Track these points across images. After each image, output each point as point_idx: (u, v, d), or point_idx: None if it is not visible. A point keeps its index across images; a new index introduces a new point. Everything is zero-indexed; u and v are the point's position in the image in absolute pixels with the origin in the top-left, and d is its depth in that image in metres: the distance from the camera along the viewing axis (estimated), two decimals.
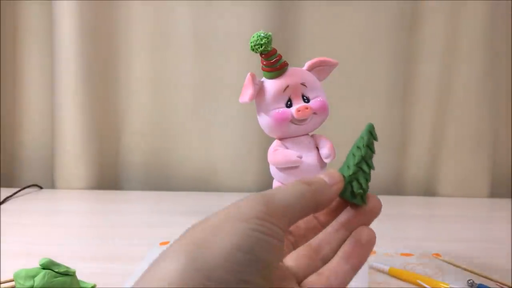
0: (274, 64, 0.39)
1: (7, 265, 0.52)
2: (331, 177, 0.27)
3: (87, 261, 0.55)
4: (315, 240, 0.28)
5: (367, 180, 0.26)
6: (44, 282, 0.43)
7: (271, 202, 0.25)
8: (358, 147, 0.27)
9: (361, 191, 0.26)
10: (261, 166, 0.91)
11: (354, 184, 0.26)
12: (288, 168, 0.41)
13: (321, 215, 0.29)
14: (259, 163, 0.91)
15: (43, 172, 0.99)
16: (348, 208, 0.28)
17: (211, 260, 0.22)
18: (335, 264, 0.27)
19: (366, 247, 0.27)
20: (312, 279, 0.27)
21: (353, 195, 0.26)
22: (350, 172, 0.26)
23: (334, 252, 0.27)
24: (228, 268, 0.23)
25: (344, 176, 0.26)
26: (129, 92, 0.95)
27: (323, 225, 0.29)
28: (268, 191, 0.25)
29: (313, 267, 0.27)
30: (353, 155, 0.27)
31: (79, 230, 0.70)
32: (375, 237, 0.27)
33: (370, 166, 0.27)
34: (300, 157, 0.40)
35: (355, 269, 0.27)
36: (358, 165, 0.26)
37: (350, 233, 0.27)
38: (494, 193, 0.92)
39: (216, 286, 0.22)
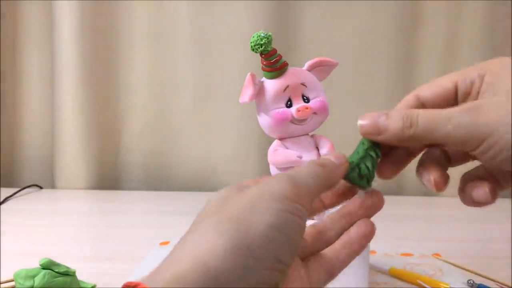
0: (274, 64, 0.39)
1: (7, 265, 0.52)
2: (337, 158, 0.28)
3: (87, 261, 0.55)
4: (320, 223, 0.30)
5: (374, 165, 0.28)
6: (44, 282, 0.43)
7: (297, 183, 0.26)
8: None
9: (367, 172, 0.28)
10: (261, 166, 0.91)
11: (362, 166, 0.28)
12: (288, 168, 0.41)
13: (326, 198, 0.30)
14: (259, 163, 0.91)
15: (43, 172, 0.99)
16: (354, 199, 0.29)
17: (251, 239, 0.23)
18: (338, 247, 0.29)
19: (367, 238, 0.29)
20: (315, 258, 0.29)
21: (360, 177, 0.28)
22: (359, 156, 0.28)
23: (337, 237, 0.29)
24: (266, 247, 0.24)
25: (353, 161, 0.28)
26: (129, 92, 0.96)
27: (326, 207, 0.31)
28: (291, 173, 0.27)
29: (317, 247, 0.29)
30: (363, 143, 0.28)
31: (79, 230, 0.70)
32: (375, 230, 0.29)
33: (377, 154, 0.28)
34: (300, 157, 0.40)
35: (355, 254, 0.29)
36: (367, 150, 0.28)
37: (353, 222, 0.29)
38: None
39: (255, 263, 0.23)
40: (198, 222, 0.26)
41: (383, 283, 0.49)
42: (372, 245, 0.42)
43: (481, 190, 0.28)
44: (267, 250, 0.24)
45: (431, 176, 0.28)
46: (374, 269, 0.52)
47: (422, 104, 0.30)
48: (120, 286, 0.23)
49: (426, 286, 0.48)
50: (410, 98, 0.31)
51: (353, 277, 0.38)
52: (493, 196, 0.28)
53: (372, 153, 0.28)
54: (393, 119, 0.27)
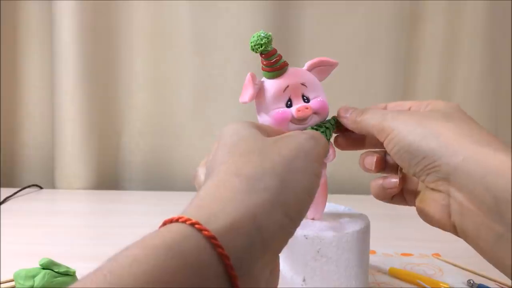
0: (274, 64, 0.39)
1: (7, 265, 0.52)
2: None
3: (87, 261, 0.54)
4: None
5: (330, 129, 0.39)
6: (44, 282, 0.43)
7: (318, 142, 0.30)
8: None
9: (324, 131, 0.39)
10: None
11: (322, 128, 0.39)
12: None
13: None
14: None
15: (43, 172, 0.99)
16: None
17: (291, 199, 0.26)
18: None
19: None
20: None
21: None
22: (324, 122, 0.40)
23: None
24: (298, 209, 0.26)
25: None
26: (129, 92, 0.96)
27: None
28: (310, 132, 0.31)
29: None
30: (332, 118, 0.40)
31: (79, 230, 0.70)
32: None
33: (333, 125, 0.40)
34: None
35: None
36: (329, 121, 0.40)
37: None
38: None
39: (288, 222, 0.25)
40: (241, 162, 0.27)
41: (383, 283, 0.50)
42: (372, 245, 0.42)
43: (369, 159, 0.38)
44: (297, 211, 0.26)
45: (374, 158, 0.38)
46: (374, 269, 0.52)
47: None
48: (167, 219, 0.24)
49: (426, 286, 0.48)
50: (380, 105, 0.40)
51: (353, 277, 0.38)
52: (376, 167, 0.38)
53: (332, 122, 0.39)
54: (354, 111, 0.38)
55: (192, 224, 0.22)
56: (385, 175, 0.38)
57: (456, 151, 0.30)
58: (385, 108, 0.39)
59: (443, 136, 0.31)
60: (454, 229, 0.32)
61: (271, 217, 0.24)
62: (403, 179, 0.38)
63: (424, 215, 0.35)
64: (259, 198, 0.24)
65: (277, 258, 0.27)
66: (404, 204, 0.39)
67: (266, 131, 0.32)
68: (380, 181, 0.38)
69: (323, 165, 0.41)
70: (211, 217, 0.23)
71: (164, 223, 0.24)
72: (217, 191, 0.25)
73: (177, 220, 0.23)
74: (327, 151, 0.33)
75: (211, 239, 0.22)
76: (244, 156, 0.27)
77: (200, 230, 0.22)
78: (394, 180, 0.37)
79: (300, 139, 0.29)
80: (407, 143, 0.32)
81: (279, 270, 0.28)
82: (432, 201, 0.33)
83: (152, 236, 0.22)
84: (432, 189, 0.32)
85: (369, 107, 0.38)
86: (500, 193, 0.27)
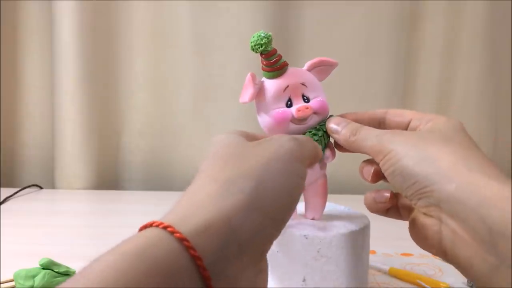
0: (274, 64, 0.39)
1: (7, 265, 0.52)
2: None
3: (87, 261, 0.55)
4: None
5: (322, 136, 0.38)
6: (44, 282, 0.43)
7: (301, 144, 0.30)
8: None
9: (317, 139, 0.38)
10: None
11: (315, 136, 0.38)
12: None
13: None
14: None
15: (43, 172, 0.99)
16: None
17: (269, 199, 0.26)
18: None
19: None
20: None
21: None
22: (316, 128, 0.39)
23: None
24: (278, 210, 0.26)
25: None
26: (129, 92, 0.95)
27: None
28: (294, 135, 0.31)
29: None
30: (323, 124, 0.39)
31: (79, 230, 0.70)
32: None
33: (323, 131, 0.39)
34: None
35: None
36: (322, 127, 0.39)
37: None
38: None
39: (267, 223, 0.25)
40: (219, 167, 0.27)
41: (383, 283, 0.50)
42: (372, 245, 0.42)
43: (367, 170, 0.37)
44: (278, 212, 0.26)
45: (372, 168, 0.36)
46: (374, 269, 0.52)
47: (384, 120, 0.39)
48: (142, 225, 0.24)
49: (426, 286, 0.48)
50: (379, 111, 0.39)
51: (353, 277, 0.38)
52: (373, 178, 0.36)
53: (323, 128, 0.39)
54: (345, 128, 0.36)
55: (165, 228, 0.23)
56: (379, 190, 0.38)
57: (449, 178, 0.29)
58: (385, 113, 0.38)
59: (439, 162, 0.30)
60: (444, 255, 0.31)
61: (247, 218, 0.24)
62: (397, 195, 0.37)
63: (415, 238, 0.34)
64: (234, 200, 0.25)
65: (263, 260, 0.27)
66: (399, 219, 0.38)
67: (254, 138, 0.32)
68: (373, 194, 0.37)
69: (323, 165, 0.41)
70: (184, 220, 0.24)
71: (140, 230, 0.24)
72: (193, 197, 0.26)
73: (151, 225, 0.24)
74: (317, 153, 0.33)
75: (183, 241, 0.22)
76: (222, 162, 0.28)
77: (172, 233, 0.22)
78: (386, 194, 0.37)
79: (281, 141, 0.29)
80: (402, 165, 0.31)
81: (266, 272, 0.27)
82: (423, 225, 0.32)
83: (125, 242, 0.23)
84: (424, 213, 0.31)
85: (361, 126, 0.36)
86: (495, 225, 0.26)
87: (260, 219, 0.25)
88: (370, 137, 0.34)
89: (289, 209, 0.27)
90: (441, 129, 0.33)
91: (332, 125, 0.37)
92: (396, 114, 0.38)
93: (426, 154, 0.31)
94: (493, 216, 0.27)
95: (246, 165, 0.27)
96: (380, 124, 0.38)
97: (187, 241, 0.22)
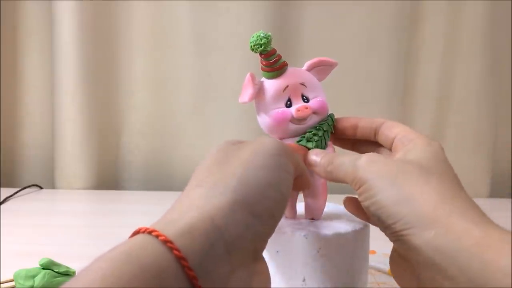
0: (273, 64, 0.39)
1: (7, 265, 0.52)
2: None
3: (87, 261, 0.55)
4: None
5: (319, 138, 0.38)
6: (44, 282, 0.43)
7: (285, 145, 0.30)
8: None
9: (314, 142, 0.38)
10: None
11: (312, 139, 0.38)
12: None
13: None
14: None
15: (43, 172, 0.99)
16: None
17: (252, 197, 0.26)
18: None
19: None
20: None
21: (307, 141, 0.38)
22: (313, 132, 0.39)
23: None
24: (265, 205, 0.26)
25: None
26: (129, 92, 0.96)
27: None
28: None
29: None
30: (321, 128, 0.39)
31: (79, 230, 0.70)
32: None
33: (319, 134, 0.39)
34: None
35: None
36: (318, 131, 0.39)
37: None
38: (494, 193, 0.92)
39: (254, 220, 0.25)
40: (203, 175, 0.28)
41: (383, 283, 0.50)
42: (372, 245, 0.42)
43: (350, 208, 0.37)
44: (265, 208, 0.26)
45: (354, 205, 0.36)
46: (374, 269, 0.52)
47: (378, 131, 0.38)
48: (132, 232, 0.25)
49: None
50: (377, 120, 0.38)
51: (353, 277, 0.38)
52: (357, 212, 0.37)
53: (329, 122, 0.39)
54: (324, 159, 0.35)
55: (150, 232, 0.24)
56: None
57: (428, 224, 0.27)
58: (382, 124, 0.37)
59: (418, 203, 0.28)
60: None
61: (231, 217, 0.25)
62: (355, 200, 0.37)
63: (394, 275, 0.33)
64: (217, 201, 0.25)
65: (258, 261, 0.27)
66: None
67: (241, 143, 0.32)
68: (353, 209, 0.37)
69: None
70: (169, 225, 0.24)
71: (129, 238, 0.25)
72: (179, 204, 0.26)
73: (137, 233, 0.24)
74: (299, 162, 0.32)
75: (167, 243, 0.23)
76: (207, 169, 0.28)
77: (157, 236, 0.23)
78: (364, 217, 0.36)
79: (262, 139, 0.30)
80: (379, 202, 0.30)
81: (265, 275, 0.27)
82: (401, 266, 0.31)
83: (113, 249, 0.23)
84: (402, 255, 0.30)
85: (336, 154, 0.35)
86: (476, 278, 0.25)
87: (245, 216, 0.25)
88: (345, 164, 0.33)
89: (278, 204, 0.27)
90: (421, 158, 0.32)
91: (312, 157, 0.36)
92: (387, 127, 0.36)
93: (404, 194, 0.29)
94: (473, 269, 0.25)
95: (229, 167, 0.27)
96: (375, 133, 0.38)
97: (171, 242, 0.23)
